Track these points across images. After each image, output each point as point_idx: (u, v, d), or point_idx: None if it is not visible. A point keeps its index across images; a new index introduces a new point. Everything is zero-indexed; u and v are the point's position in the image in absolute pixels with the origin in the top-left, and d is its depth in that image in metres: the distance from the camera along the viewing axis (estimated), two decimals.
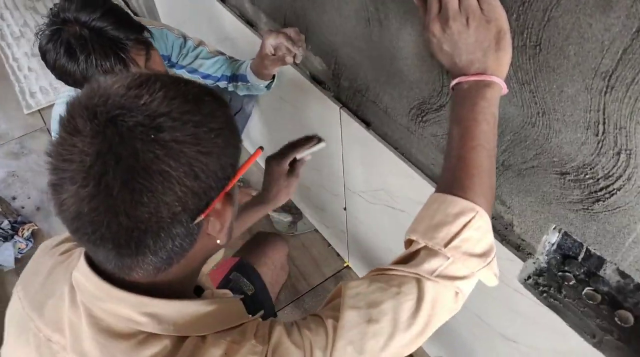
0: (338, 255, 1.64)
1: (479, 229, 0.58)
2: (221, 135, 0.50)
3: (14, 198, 1.96)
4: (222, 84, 1.28)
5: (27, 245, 1.79)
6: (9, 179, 2.03)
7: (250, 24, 1.32)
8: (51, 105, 2.29)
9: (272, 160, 0.94)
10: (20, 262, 1.73)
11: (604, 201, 0.61)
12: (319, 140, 0.95)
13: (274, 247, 1.25)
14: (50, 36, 0.92)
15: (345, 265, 1.60)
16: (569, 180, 0.64)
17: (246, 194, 1.63)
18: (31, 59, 2.49)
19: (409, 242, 0.62)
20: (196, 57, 1.27)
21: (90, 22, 0.91)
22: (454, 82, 0.63)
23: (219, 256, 0.81)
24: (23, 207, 1.93)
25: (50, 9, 0.95)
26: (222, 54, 1.30)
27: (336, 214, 1.48)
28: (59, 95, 1.20)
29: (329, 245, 1.66)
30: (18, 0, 2.91)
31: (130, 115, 0.45)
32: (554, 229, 0.72)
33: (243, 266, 1.16)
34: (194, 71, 1.29)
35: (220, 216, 0.53)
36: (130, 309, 0.52)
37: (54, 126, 1.16)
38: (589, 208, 0.63)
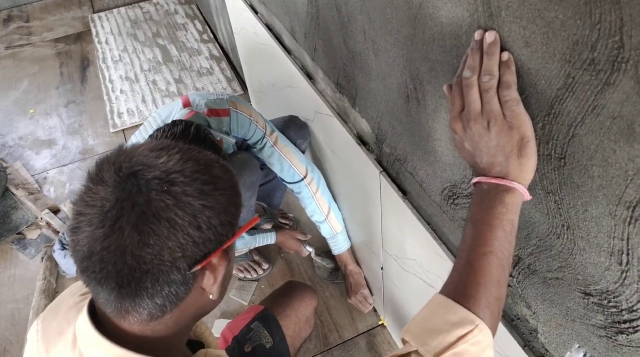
0: (375, 310, 1.59)
1: (476, 344, 0.54)
2: (225, 195, 0.55)
3: None
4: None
5: None
6: None
7: (309, 76, 1.36)
8: (134, 126, 2.48)
9: None
10: None
11: (627, 335, 0.54)
12: None
13: (302, 298, 1.24)
14: None
15: (380, 323, 1.55)
16: (592, 302, 0.58)
17: (291, 237, 1.63)
18: (124, 81, 2.72)
19: (404, 340, 0.60)
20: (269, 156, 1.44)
21: None
22: (474, 180, 0.61)
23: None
24: None
25: None
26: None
27: (374, 272, 1.45)
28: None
29: None
30: (122, 27, 3.21)
31: (149, 171, 0.52)
32: (577, 347, 0.65)
33: (266, 316, 1.16)
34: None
35: (215, 270, 0.56)
36: None
37: None
38: (613, 338, 0.57)
